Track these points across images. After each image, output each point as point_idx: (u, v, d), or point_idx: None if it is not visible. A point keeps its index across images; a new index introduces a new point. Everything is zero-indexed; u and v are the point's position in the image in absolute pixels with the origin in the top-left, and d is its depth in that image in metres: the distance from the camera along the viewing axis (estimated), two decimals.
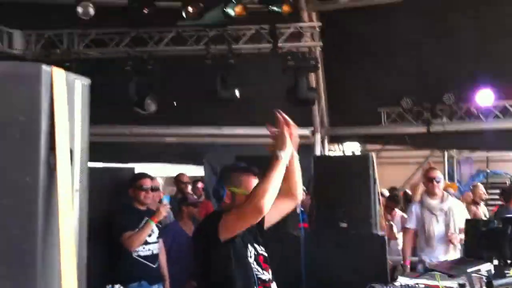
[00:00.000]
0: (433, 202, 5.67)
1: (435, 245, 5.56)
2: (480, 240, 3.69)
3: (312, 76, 8.38)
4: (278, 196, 3.05)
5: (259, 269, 2.98)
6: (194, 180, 7.72)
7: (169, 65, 7.64)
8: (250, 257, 2.97)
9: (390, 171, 12.60)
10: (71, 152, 1.60)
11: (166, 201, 5.14)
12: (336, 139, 9.84)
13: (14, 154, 1.46)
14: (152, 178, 5.24)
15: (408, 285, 3.96)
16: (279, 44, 7.66)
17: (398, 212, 7.70)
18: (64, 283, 1.47)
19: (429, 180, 5.71)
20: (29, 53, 7.66)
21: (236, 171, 3.06)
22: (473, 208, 8.47)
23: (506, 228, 2.25)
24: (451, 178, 11.70)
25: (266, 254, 3.10)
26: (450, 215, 5.55)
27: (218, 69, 7.44)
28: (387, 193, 8.56)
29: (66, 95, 1.57)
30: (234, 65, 7.39)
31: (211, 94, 7.42)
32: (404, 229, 6.07)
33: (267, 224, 3.19)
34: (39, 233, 1.45)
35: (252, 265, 2.95)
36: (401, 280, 4.51)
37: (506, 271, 2.23)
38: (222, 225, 2.84)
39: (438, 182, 5.65)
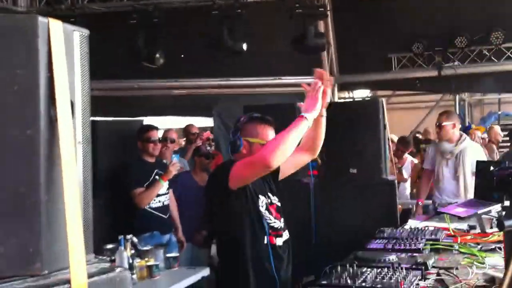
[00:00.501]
0: (445, 145, 5.69)
1: (444, 187, 5.63)
2: (491, 181, 3.69)
3: (320, 24, 8.27)
4: (297, 149, 3.08)
5: (271, 217, 3.02)
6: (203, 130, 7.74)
7: (175, 17, 7.54)
8: (262, 206, 3.01)
9: (400, 116, 12.57)
10: (72, 104, 1.60)
11: (175, 159, 5.21)
12: (346, 87, 9.77)
13: (14, 108, 1.46)
14: (167, 130, 5.29)
15: (417, 228, 3.99)
16: None
17: (408, 157, 7.71)
18: (70, 235, 1.49)
19: (435, 125, 5.79)
20: (33, 10, 7.60)
21: (251, 121, 3.06)
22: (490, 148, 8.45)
23: None
24: (462, 121, 11.62)
25: (279, 204, 3.15)
26: (460, 158, 5.56)
27: (225, 20, 7.33)
28: (395, 139, 8.54)
29: (64, 47, 1.56)
30: (241, 15, 7.27)
31: (218, 45, 7.35)
32: (422, 170, 6.20)
33: (282, 176, 3.22)
34: (42, 186, 1.46)
35: (263, 214, 2.99)
36: (411, 223, 4.56)
37: None
38: (232, 174, 2.87)
39: (439, 126, 5.67)
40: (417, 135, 10.36)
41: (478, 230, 3.94)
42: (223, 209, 3.03)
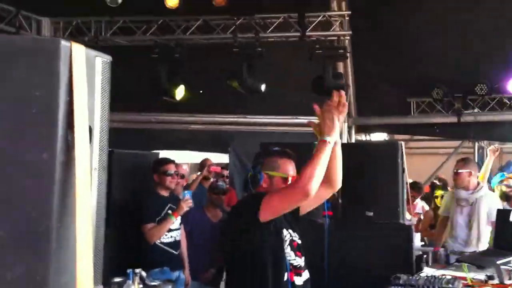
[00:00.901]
0: (462, 192, 5.63)
1: (457, 235, 5.56)
2: (510, 230, 3.60)
3: (340, 65, 8.30)
4: None
5: (292, 254, 2.95)
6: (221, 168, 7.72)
7: (196, 53, 7.61)
8: (285, 241, 2.95)
9: (418, 162, 12.45)
10: (90, 129, 1.57)
11: (188, 196, 5.16)
12: (363, 129, 9.74)
13: (31, 131, 1.43)
14: (176, 164, 5.27)
15: (434, 276, 3.87)
16: (307, 33, 7.58)
17: (419, 202, 7.64)
18: (79, 265, 1.44)
19: (453, 172, 5.75)
20: None
21: (272, 155, 3.07)
22: None
23: None
24: (479, 169, 11.46)
25: (300, 242, 3.07)
26: (475, 206, 5.47)
27: (245, 58, 7.38)
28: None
29: (86, 71, 1.54)
30: (261, 53, 7.32)
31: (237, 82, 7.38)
32: (435, 217, 6.30)
33: (303, 211, 3.17)
34: (54, 212, 1.42)
35: (286, 250, 2.92)
36: (427, 271, 4.44)
37: None
38: (264, 206, 2.81)
39: (456, 173, 5.62)
40: (434, 181, 10.24)
41: (496, 281, 3.82)
42: (246, 241, 2.95)
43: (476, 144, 10.78)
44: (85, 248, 1.46)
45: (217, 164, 7.90)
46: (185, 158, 9.30)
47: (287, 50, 7.94)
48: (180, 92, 7.54)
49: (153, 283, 4.35)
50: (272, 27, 7.62)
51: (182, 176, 6.02)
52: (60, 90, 1.47)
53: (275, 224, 2.88)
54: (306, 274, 3.04)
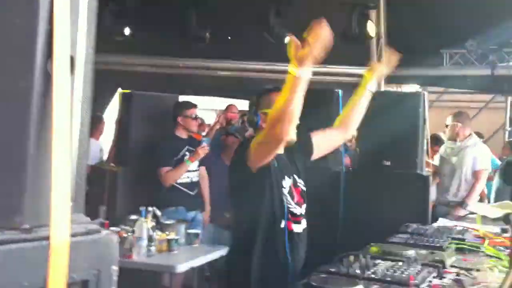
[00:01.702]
0: (450, 143, 5.98)
1: (444, 185, 5.87)
2: None
3: (373, 13, 8.10)
4: (328, 130, 3.02)
5: (292, 202, 2.92)
6: (242, 114, 7.70)
7: None
8: (284, 188, 2.92)
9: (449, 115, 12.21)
10: (72, 59, 1.56)
11: (205, 143, 5.21)
12: (394, 80, 9.53)
13: (8, 58, 1.43)
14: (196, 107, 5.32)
15: (445, 226, 3.85)
16: None
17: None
18: (54, 191, 1.46)
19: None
20: None
21: (265, 94, 2.97)
22: None
23: None
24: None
25: (304, 188, 3.05)
26: (460, 156, 5.74)
27: (273, 4, 7.26)
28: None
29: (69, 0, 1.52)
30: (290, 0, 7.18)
31: (264, 29, 7.29)
32: None
33: (316, 156, 3.13)
34: (31, 141, 1.43)
35: (284, 197, 2.90)
36: (441, 221, 4.42)
37: None
38: (250, 153, 2.78)
39: (446, 125, 5.96)
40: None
41: (510, 234, 3.77)
42: (242, 189, 2.96)
43: (509, 98, 10.48)
44: (62, 177, 1.47)
45: (244, 112, 7.89)
46: (210, 105, 9.32)
47: None
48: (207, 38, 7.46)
49: (167, 222, 4.43)
50: None
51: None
52: (40, 17, 1.45)
53: (275, 169, 2.85)
54: (304, 223, 3.01)
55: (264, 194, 2.86)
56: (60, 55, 1.50)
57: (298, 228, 2.95)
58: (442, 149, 6.22)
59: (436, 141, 7.85)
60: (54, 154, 1.47)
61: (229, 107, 7.43)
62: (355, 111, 3.07)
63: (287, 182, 2.93)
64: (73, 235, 1.54)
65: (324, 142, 3.15)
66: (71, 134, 1.60)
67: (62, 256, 1.51)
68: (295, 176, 3.02)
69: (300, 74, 2.48)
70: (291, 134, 2.66)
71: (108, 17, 7.27)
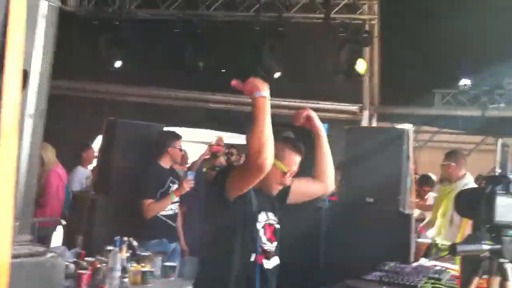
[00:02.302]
0: (445, 184, 5.94)
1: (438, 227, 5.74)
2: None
3: (366, 51, 8.17)
4: (310, 179, 3.01)
5: (264, 238, 2.87)
6: (229, 146, 7.69)
7: (217, 30, 7.59)
8: (259, 222, 2.87)
9: (442, 156, 12.20)
10: (26, 73, 1.55)
11: (191, 176, 5.16)
12: (386, 118, 9.55)
13: None
14: None
15: (423, 265, 3.80)
16: (332, 15, 7.45)
17: (431, 195, 7.51)
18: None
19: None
20: (82, 10, 7.78)
21: (283, 142, 2.87)
22: None
23: (485, 188, 2.04)
24: (504, 167, 11.16)
25: (278, 226, 3.00)
26: (451, 199, 5.47)
27: (266, 38, 7.31)
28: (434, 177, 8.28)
29: (25, 14, 1.52)
30: (283, 33, 7.23)
31: (256, 63, 7.33)
32: None
33: (291, 201, 3.07)
34: None
35: (258, 231, 2.85)
36: (423, 261, 4.36)
37: (483, 239, 2.04)
38: (229, 182, 2.74)
39: (440, 166, 5.84)
40: None
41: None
42: (218, 217, 2.92)
43: (500, 140, 10.45)
44: (5, 196, 1.44)
45: (231, 145, 7.90)
46: (202, 137, 9.31)
47: (310, 33, 7.83)
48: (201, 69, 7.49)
49: (143, 253, 4.35)
50: (296, 8, 7.52)
51: None
52: None
53: (251, 202, 2.81)
54: (276, 260, 2.95)
55: (238, 225, 2.81)
56: (12, 68, 1.49)
57: (269, 264, 2.89)
58: (437, 192, 6.22)
59: (426, 180, 7.83)
60: (1, 173, 1.45)
61: (217, 140, 7.42)
62: (322, 161, 3.03)
63: (262, 217, 2.88)
64: (15, 256, 1.51)
65: (302, 190, 3.08)
66: (20, 151, 1.58)
67: (2, 277, 1.48)
68: (270, 214, 2.97)
69: (264, 95, 2.60)
70: (271, 163, 2.60)
71: (102, 46, 7.32)
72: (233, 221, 2.80)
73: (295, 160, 2.85)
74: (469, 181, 5.71)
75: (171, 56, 7.74)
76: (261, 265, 2.83)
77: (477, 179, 8.77)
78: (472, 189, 2.15)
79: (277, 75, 7.33)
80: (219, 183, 2.84)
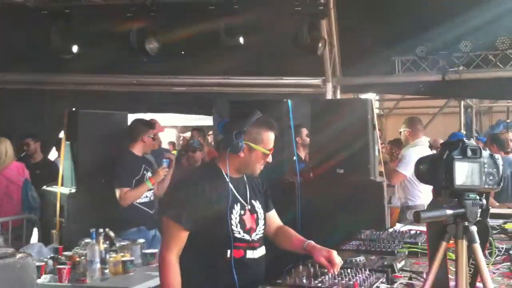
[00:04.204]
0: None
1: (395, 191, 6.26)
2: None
3: (324, 24, 8.15)
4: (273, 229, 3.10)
5: (241, 232, 2.81)
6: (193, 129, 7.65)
7: (172, 12, 7.46)
8: (233, 218, 2.78)
9: None
10: None
11: (165, 164, 5.17)
12: (350, 89, 9.61)
13: None
14: None
15: (399, 230, 3.85)
16: None
17: None
18: None
19: None
20: (31, 1, 7.53)
21: (257, 125, 2.79)
22: None
23: (442, 154, 2.05)
24: (469, 128, 11.41)
25: (261, 212, 2.95)
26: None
27: (223, 17, 7.23)
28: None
29: None
30: (239, 10, 7.15)
31: (215, 42, 7.26)
32: None
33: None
34: None
35: (232, 226, 2.76)
36: (398, 226, 4.42)
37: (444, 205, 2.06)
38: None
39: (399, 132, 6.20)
40: None
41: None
42: None
43: (462, 102, 10.66)
44: None
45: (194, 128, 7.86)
46: (169, 121, 9.23)
47: (267, 7, 7.76)
48: (152, 50, 7.33)
49: (121, 243, 4.32)
50: None
51: None
52: None
53: (228, 194, 2.77)
54: (261, 250, 2.92)
55: (203, 231, 2.75)
56: None
57: (253, 254, 2.85)
58: None
59: (398, 144, 7.96)
60: None
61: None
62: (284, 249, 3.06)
63: (236, 210, 2.81)
64: None
65: (267, 223, 3.04)
66: None
67: None
68: (253, 201, 2.93)
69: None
70: None
71: (56, 36, 7.12)
72: (198, 228, 2.72)
73: (271, 138, 2.84)
74: (414, 145, 5.91)
75: (125, 42, 7.58)
76: (241, 258, 2.79)
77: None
78: (430, 156, 2.16)
79: (241, 41, 7.25)
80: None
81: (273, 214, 3.15)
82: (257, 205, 2.95)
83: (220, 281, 2.76)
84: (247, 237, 2.83)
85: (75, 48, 7.10)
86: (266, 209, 3.04)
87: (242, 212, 2.84)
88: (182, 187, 2.85)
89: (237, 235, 2.78)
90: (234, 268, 2.73)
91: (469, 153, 2.05)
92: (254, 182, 3.00)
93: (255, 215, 2.91)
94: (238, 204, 2.83)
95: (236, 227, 2.78)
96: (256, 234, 2.89)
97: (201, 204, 2.69)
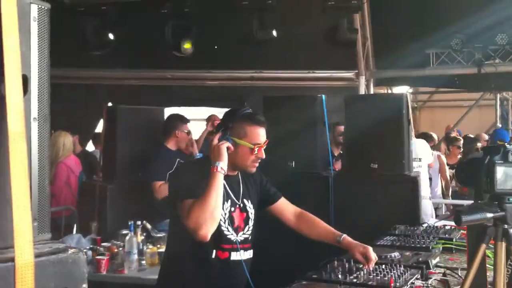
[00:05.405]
0: None
1: None
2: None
3: (357, 17, 8.12)
4: (293, 215, 3.10)
5: (230, 229, 2.80)
6: None
7: (206, 7, 7.52)
8: (226, 209, 2.79)
9: (442, 114, 12.28)
10: (26, 78, 1.55)
11: (199, 156, 5.24)
12: (383, 82, 9.54)
13: None
14: None
15: (433, 226, 3.84)
16: None
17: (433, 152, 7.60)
18: (15, 213, 1.44)
19: None
20: None
21: (241, 120, 2.78)
22: None
23: (483, 159, 2.09)
24: (505, 121, 11.23)
25: (252, 211, 2.94)
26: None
27: (256, 12, 7.26)
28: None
29: (18, 19, 1.51)
30: (272, 5, 7.18)
31: (248, 37, 7.29)
32: None
33: (262, 209, 3.07)
34: None
35: (220, 226, 2.72)
36: (432, 221, 4.41)
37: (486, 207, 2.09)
38: (178, 207, 2.67)
39: None
40: (452, 133, 10.09)
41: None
42: (171, 222, 2.95)
43: (498, 95, 10.48)
44: (22, 196, 1.46)
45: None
46: (202, 115, 9.29)
47: (301, 2, 7.77)
48: (186, 48, 7.42)
49: (158, 235, 4.41)
50: None
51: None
52: None
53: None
54: (247, 253, 2.88)
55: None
56: (11, 75, 1.49)
57: (237, 256, 2.81)
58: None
59: (425, 138, 7.93)
60: (13, 177, 1.46)
61: (211, 117, 7.40)
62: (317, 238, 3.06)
63: (226, 207, 2.80)
64: (37, 256, 1.53)
65: (281, 212, 3.09)
66: (30, 154, 1.59)
67: (27, 277, 1.50)
68: (245, 200, 2.92)
69: (222, 165, 2.63)
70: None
71: (91, 32, 7.26)
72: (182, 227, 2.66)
73: (258, 132, 2.79)
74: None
75: (160, 37, 7.67)
76: (226, 259, 2.78)
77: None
78: (472, 159, 2.19)
79: (275, 33, 7.27)
80: (171, 196, 2.81)
81: (283, 202, 3.12)
82: (249, 204, 2.94)
83: (203, 279, 2.75)
84: (233, 236, 2.81)
85: (110, 44, 7.23)
86: (271, 202, 3.05)
87: (232, 209, 2.84)
88: (179, 175, 2.98)
89: (225, 231, 2.78)
90: (219, 268, 2.75)
91: (510, 158, 2.09)
92: (251, 180, 2.99)
93: (245, 214, 2.90)
94: (229, 201, 2.82)
95: (225, 222, 2.78)
96: (243, 234, 2.87)
97: (197, 182, 2.66)
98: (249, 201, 2.94)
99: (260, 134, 2.80)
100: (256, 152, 2.77)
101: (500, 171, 2.07)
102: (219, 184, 2.59)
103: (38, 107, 1.60)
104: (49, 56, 1.66)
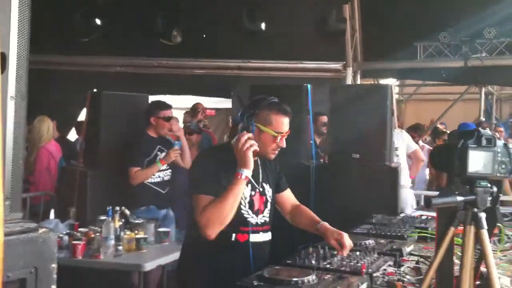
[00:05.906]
0: None
1: None
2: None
3: (347, 8, 8.15)
4: (291, 206, 3.18)
5: (249, 210, 2.88)
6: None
7: None
8: (246, 193, 2.86)
9: (428, 107, 12.35)
10: (4, 56, 1.57)
11: (177, 146, 5.20)
12: (370, 74, 9.57)
13: None
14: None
15: (410, 216, 3.90)
16: None
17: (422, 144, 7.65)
18: None
19: None
20: None
21: (268, 108, 2.86)
22: None
23: (457, 143, 2.11)
24: (489, 115, 11.32)
25: (270, 195, 3.02)
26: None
27: (245, 0, 7.29)
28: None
29: None
30: None
31: (237, 27, 7.31)
32: None
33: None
34: None
35: (241, 202, 2.81)
36: (408, 211, 4.47)
37: (456, 191, 2.12)
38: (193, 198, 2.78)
39: None
40: (438, 125, 10.17)
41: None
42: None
43: (483, 89, 10.56)
44: None
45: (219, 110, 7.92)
46: (187, 103, 9.31)
47: None
48: (175, 37, 7.43)
49: (136, 221, 4.42)
50: None
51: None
52: None
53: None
54: (267, 234, 2.97)
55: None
56: None
57: (257, 237, 2.89)
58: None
59: (415, 129, 8.02)
60: None
61: (196, 105, 7.39)
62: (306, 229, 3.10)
63: (247, 191, 2.87)
64: (7, 234, 1.55)
65: (283, 202, 3.17)
66: (4, 133, 1.61)
67: None
68: (264, 184, 3.00)
69: (245, 174, 2.71)
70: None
71: (79, 18, 7.24)
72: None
73: (283, 121, 2.87)
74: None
75: (147, 25, 7.67)
76: (246, 242, 2.84)
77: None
78: (446, 144, 2.23)
79: (263, 26, 7.29)
80: (190, 185, 2.89)
81: (287, 194, 3.22)
82: (267, 188, 3.02)
83: (222, 262, 2.80)
84: (253, 219, 2.89)
85: (97, 30, 7.21)
86: (278, 190, 3.11)
87: (253, 193, 2.91)
88: (199, 164, 2.95)
89: (245, 215, 2.86)
90: (240, 250, 2.81)
91: (484, 142, 2.11)
92: (268, 165, 3.07)
93: (264, 197, 2.98)
94: (249, 185, 2.89)
95: (245, 206, 2.86)
96: (263, 216, 2.95)
97: (217, 176, 2.75)
98: (268, 184, 3.02)
99: (284, 124, 2.88)
100: (278, 140, 2.85)
101: (473, 155, 2.09)
102: (239, 191, 2.70)
103: (15, 86, 1.61)
104: (29, 35, 1.67)
